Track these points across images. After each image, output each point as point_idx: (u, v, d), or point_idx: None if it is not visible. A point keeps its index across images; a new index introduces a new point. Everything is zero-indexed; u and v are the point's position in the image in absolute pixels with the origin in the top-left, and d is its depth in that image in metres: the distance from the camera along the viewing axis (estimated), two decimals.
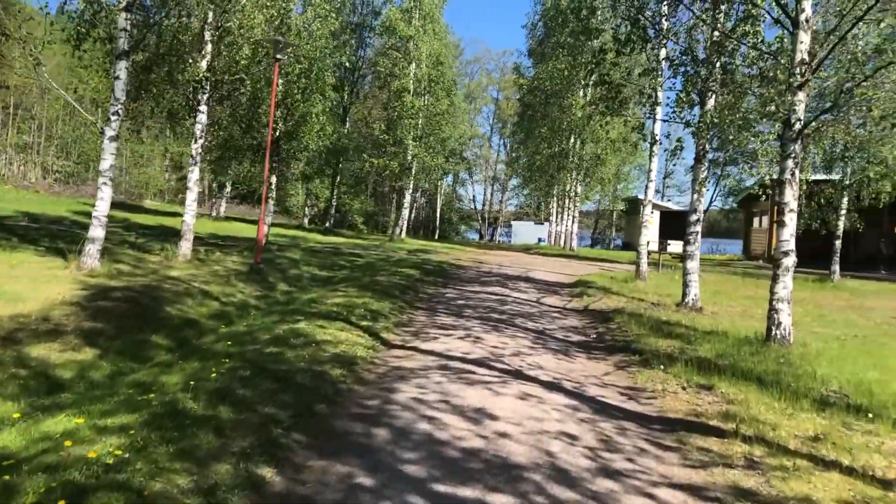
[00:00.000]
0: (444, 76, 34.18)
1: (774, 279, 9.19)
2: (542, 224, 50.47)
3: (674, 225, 20.88)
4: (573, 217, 37.26)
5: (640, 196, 47.33)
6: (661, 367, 7.37)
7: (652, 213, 19.10)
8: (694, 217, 13.19)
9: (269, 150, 15.22)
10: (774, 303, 9.12)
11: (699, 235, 13.25)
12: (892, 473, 4.68)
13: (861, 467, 4.71)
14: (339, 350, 7.57)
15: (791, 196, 9.18)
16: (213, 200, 39.88)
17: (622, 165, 39.85)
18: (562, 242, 39.47)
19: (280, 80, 18.43)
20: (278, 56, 14.89)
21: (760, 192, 17.03)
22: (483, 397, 6.11)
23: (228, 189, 39.79)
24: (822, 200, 21.01)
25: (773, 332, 9.04)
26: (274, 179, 20.82)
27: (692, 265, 12.99)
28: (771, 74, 8.80)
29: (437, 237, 51.68)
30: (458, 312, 11.26)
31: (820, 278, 21.01)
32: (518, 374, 7.04)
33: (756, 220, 39.41)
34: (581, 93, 32.92)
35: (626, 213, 52.42)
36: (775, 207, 30.60)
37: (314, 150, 22.56)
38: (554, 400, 6.17)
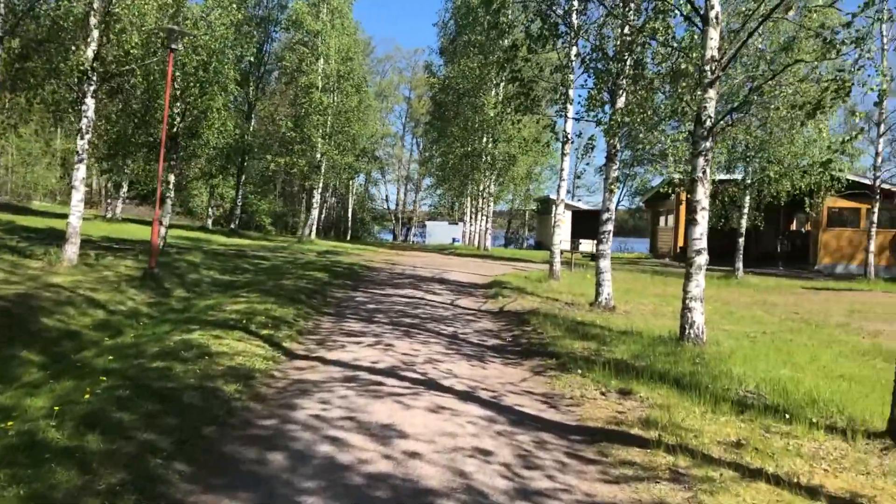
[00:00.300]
0: (353, 72, 33.42)
1: (687, 278, 9.12)
2: (457, 224, 50.43)
3: (585, 224, 20.95)
4: (487, 217, 37.27)
5: (552, 196, 48.04)
6: (579, 371, 7.10)
7: (564, 212, 19.09)
8: (606, 216, 13.13)
9: (163, 146, 14.21)
10: (687, 301, 9.05)
11: (611, 234, 13.21)
12: (816, 479, 4.50)
13: (786, 474, 4.51)
14: (236, 363, 6.93)
15: (703, 194, 9.14)
16: (109, 201, 37.64)
17: (534, 165, 40.18)
18: (476, 242, 39.43)
19: (177, 73, 17.34)
20: (173, 46, 13.92)
21: (669, 191, 17.30)
22: (392, 412, 5.62)
23: (125, 189, 37.64)
24: (727, 199, 21.67)
25: (687, 332, 8.97)
26: (173, 178, 19.61)
27: (605, 264, 12.92)
28: (683, 67, 8.72)
29: (349, 238, 50.79)
30: (368, 318, 10.72)
31: (725, 275, 21.63)
32: (431, 384, 6.60)
33: (662, 219, 40.58)
34: (493, 92, 32.89)
35: (538, 213, 53.06)
36: (682, 206, 31.53)
37: (216, 148, 21.41)
38: (469, 411, 5.76)
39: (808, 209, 24.78)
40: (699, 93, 8.89)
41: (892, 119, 25.24)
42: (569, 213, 22.85)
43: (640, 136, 11.85)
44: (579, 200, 52.94)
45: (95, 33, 14.00)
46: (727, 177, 23.44)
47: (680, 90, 9.00)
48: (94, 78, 14.14)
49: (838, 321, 12.55)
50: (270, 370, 6.98)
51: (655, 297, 15.28)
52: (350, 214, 55.89)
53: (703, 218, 9.15)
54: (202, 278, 15.63)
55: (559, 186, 17.63)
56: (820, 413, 5.95)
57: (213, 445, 4.76)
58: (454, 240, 47.28)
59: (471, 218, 42.64)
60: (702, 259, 9.12)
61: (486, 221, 37.27)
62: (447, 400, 6.05)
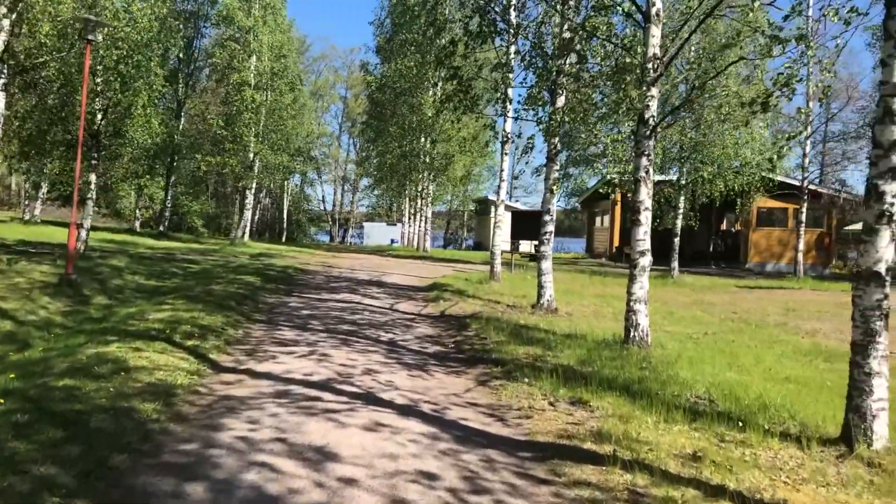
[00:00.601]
0: (287, 70, 32.54)
1: (631, 279, 8.94)
2: (395, 225, 49.96)
3: (524, 224, 20.83)
4: (426, 218, 36.88)
5: (490, 196, 48.10)
6: (526, 379, 6.76)
7: (504, 213, 18.86)
8: (547, 217, 12.92)
9: (80, 144, 13.31)
10: (632, 304, 8.87)
11: (552, 235, 13.01)
12: (778, 493, 4.27)
13: (748, 490, 4.26)
14: (156, 378, 6.34)
15: (646, 194, 8.97)
16: (28, 202, 35.69)
17: (472, 166, 40.03)
18: (415, 243, 39.01)
19: (98, 67, 16.35)
20: (90, 37, 13.05)
21: (608, 191, 17.28)
22: (326, 431, 5.16)
23: (45, 189, 35.74)
24: (663, 199, 21.87)
25: (632, 334, 8.78)
26: (94, 178, 18.52)
27: (546, 265, 12.71)
28: (628, 60, 8.52)
29: (284, 240, 49.69)
30: (302, 325, 10.18)
31: (661, 275, 21.82)
32: (369, 398, 6.15)
33: (598, 220, 41.05)
34: (430, 92, 32.56)
35: (476, 214, 53.04)
36: (618, 206, 31.78)
37: (141, 147, 20.35)
38: (410, 428, 5.34)
39: (739, 209, 25.29)
40: (643, 89, 8.71)
41: (817, 122, 26.01)
42: (508, 214, 22.67)
43: (582, 136, 11.65)
44: (517, 201, 53.16)
45: (6, 23, 13.01)
46: (662, 178, 23.72)
47: (625, 85, 8.80)
48: (5, 71, 13.16)
49: (776, 320, 12.67)
50: (194, 385, 6.42)
51: (595, 297, 15.19)
52: (285, 216, 54.73)
53: (646, 218, 8.99)
54: (126, 284, 14.76)
55: (499, 187, 17.40)
56: (772, 419, 5.79)
57: (123, 477, 4.21)
58: (392, 241, 46.77)
59: (409, 219, 42.19)
60: (645, 260, 8.96)
61: (426, 222, 36.88)
62: (387, 416, 5.63)
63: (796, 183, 26.38)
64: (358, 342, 8.89)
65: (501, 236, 17.58)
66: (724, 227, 39.08)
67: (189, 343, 8.03)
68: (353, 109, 64.30)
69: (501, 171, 17.10)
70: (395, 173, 36.37)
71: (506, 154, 16.67)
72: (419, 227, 37.75)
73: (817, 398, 6.58)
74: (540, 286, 12.63)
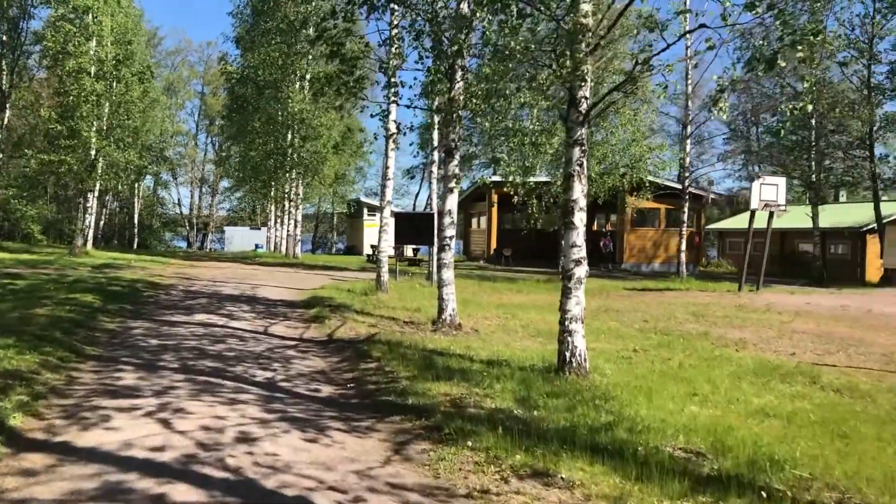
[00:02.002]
0: (134, 57, 29.00)
1: (565, 294, 7.47)
2: (260, 229, 46.99)
3: (406, 228, 19.20)
4: (295, 221, 34.26)
5: (363, 198, 46.14)
6: (469, 442, 4.99)
7: (387, 216, 17.07)
8: (447, 220, 11.29)
9: None
10: (567, 323, 7.40)
11: (454, 241, 11.41)
12: None
13: None
14: None
15: (580, 192, 7.55)
16: None
17: (345, 166, 37.91)
18: (283, 249, 36.30)
19: None
20: None
21: (510, 188, 16.00)
22: None
23: None
24: (552, 200, 20.92)
25: (568, 359, 7.32)
26: None
27: (448, 276, 11.08)
28: (583, 21, 7.01)
29: (135, 247, 45.27)
30: (149, 362, 7.88)
31: (548, 278, 20.83)
32: (248, 490, 4.17)
33: (475, 221, 40.33)
34: (298, 84, 30.18)
35: (348, 216, 50.85)
36: (494, 208, 30.78)
37: None
38: None
39: (625, 208, 25.01)
40: (576, 65, 7.25)
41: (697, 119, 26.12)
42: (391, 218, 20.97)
43: (486, 123, 10.10)
44: (390, 203, 51.51)
45: None
46: (546, 179, 22.76)
47: (571, 53, 7.28)
48: None
49: (695, 329, 11.73)
50: None
51: (496, 307, 13.79)
52: (136, 220, 50.05)
53: (580, 220, 7.57)
54: None
55: (384, 187, 15.60)
56: (789, 482, 4.42)
57: None
58: (257, 246, 43.79)
59: (275, 222, 39.37)
60: (582, 270, 7.53)
61: (295, 226, 34.26)
62: None
63: (671, 183, 26.45)
64: (225, 386, 6.78)
65: (388, 241, 15.78)
66: (595, 227, 39.40)
67: None
68: (212, 107, 60.30)
69: (387, 168, 15.28)
70: (260, 173, 33.57)
71: (393, 149, 14.85)
72: (287, 230, 35.10)
73: (818, 440, 5.34)
74: (441, 299, 10.97)
